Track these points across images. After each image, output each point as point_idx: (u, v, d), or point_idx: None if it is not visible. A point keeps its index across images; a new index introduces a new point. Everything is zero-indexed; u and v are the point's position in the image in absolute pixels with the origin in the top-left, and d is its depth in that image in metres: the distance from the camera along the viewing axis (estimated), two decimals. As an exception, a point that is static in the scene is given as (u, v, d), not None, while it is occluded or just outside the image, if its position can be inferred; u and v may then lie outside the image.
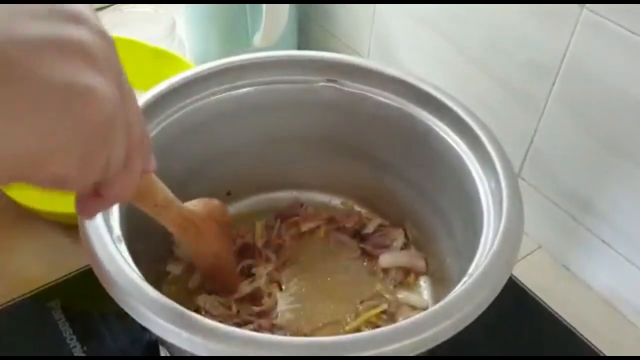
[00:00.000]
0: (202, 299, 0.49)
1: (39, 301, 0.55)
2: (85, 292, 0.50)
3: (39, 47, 0.21)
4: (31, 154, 0.22)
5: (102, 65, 0.23)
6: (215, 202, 0.48)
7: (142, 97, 0.48)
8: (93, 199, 0.28)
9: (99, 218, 0.38)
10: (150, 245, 0.46)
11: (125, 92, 0.26)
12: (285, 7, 0.69)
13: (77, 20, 0.23)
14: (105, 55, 0.24)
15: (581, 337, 0.56)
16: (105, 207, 0.30)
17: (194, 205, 0.45)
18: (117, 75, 0.25)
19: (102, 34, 0.24)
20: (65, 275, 0.57)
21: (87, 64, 0.23)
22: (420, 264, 0.55)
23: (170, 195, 0.40)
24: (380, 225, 0.58)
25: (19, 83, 0.20)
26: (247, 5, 0.70)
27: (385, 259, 0.55)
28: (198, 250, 0.47)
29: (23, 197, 0.57)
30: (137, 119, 0.27)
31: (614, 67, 0.50)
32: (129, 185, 0.28)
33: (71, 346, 0.52)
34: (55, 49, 0.22)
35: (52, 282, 0.57)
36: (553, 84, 0.55)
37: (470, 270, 0.39)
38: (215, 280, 0.51)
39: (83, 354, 0.52)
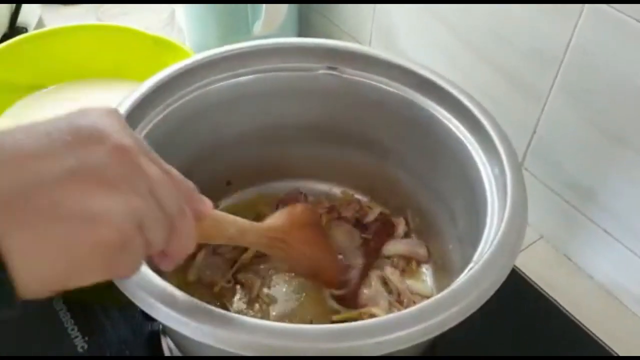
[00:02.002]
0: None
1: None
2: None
3: (61, 184, 0.26)
4: (61, 272, 0.26)
5: (116, 181, 0.27)
6: (298, 207, 0.50)
7: (142, 86, 0.47)
8: (162, 258, 0.32)
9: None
10: None
11: (149, 187, 0.29)
12: (286, -4, 0.68)
13: (98, 140, 0.27)
14: (121, 171, 0.27)
15: (583, 326, 0.56)
16: (177, 261, 0.33)
17: (276, 217, 0.47)
18: (136, 181, 0.28)
19: (121, 149, 0.28)
20: (66, 265, 0.57)
21: (100, 187, 0.27)
22: (422, 251, 0.55)
23: (243, 223, 0.41)
24: (382, 214, 0.58)
25: (45, 221, 0.25)
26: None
27: (388, 247, 0.55)
28: (292, 260, 0.48)
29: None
30: (167, 192, 0.30)
31: (619, 56, 0.50)
32: (187, 241, 0.32)
33: (72, 337, 0.52)
34: (73, 182, 0.26)
35: (52, 272, 0.56)
36: (557, 74, 0.55)
37: (475, 257, 0.38)
38: (319, 280, 0.52)
39: (84, 344, 0.51)
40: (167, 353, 0.51)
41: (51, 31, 0.69)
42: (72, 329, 0.53)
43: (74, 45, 0.69)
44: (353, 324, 0.33)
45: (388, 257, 0.55)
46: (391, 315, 0.34)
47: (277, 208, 0.57)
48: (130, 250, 0.28)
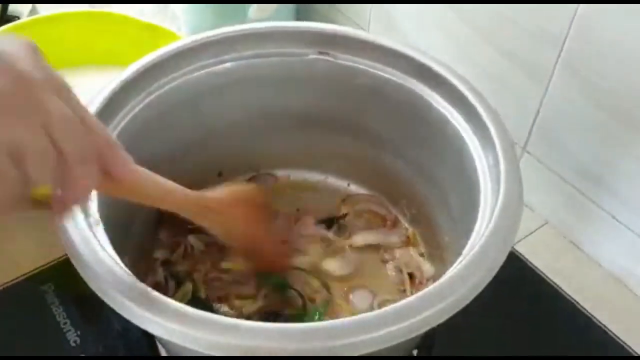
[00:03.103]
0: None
1: (32, 285, 0.55)
2: (79, 275, 0.49)
3: None
4: None
5: (3, 108, 0.27)
6: (247, 186, 0.49)
7: (127, 70, 0.46)
8: (58, 202, 0.32)
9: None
10: (134, 234, 0.46)
11: (44, 121, 0.28)
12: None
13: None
14: (12, 100, 0.27)
15: (589, 314, 0.55)
16: (67, 207, 0.33)
17: (218, 190, 0.46)
18: (27, 112, 0.28)
19: (21, 78, 0.28)
20: (59, 259, 0.56)
21: None
22: (393, 239, 0.54)
23: (171, 185, 0.40)
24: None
25: None
26: (242, -23, 0.68)
27: (357, 238, 0.55)
28: (226, 234, 0.47)
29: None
30: (67, 133, 0.29)
31: (624, 33, 0.48)
32: (82, 190, 0.32)
33: (65, 330, 0.52)
34: None
35: (45, 265, 0.56)
36: (560, 52, 0.53)
37: (465, 250, 0.37)
38: (256, 261, 0.51)
39: (77, 339, 0.51)
40: (160, 349, 0.50)
41: (43, 18, 0.69)
42: (65, 323, 0.52)
43: (66, 32, 0.68)
44: (330, 322, 0.32)
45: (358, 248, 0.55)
46: (374, 313, 0.33)
47: None
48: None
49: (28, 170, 0.28)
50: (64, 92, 0.30)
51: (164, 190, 0.39)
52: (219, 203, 0.45)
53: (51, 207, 0.33)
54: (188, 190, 0.41)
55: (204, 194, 0.44)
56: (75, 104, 0.30)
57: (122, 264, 0.36)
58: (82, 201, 0.33)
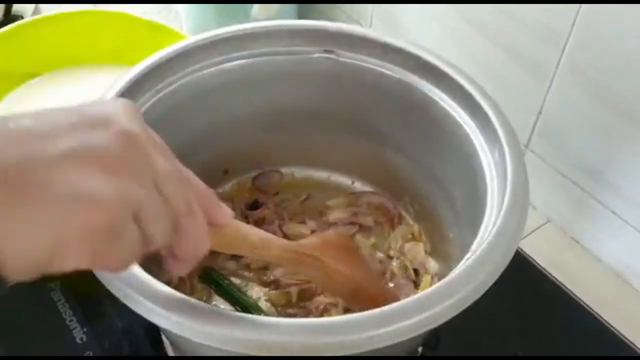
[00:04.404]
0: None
1: (38, 282, 0.54)
2: (86, 272, 0.49)
3: (59, 163, 0.25)
4: (44, 252, 0.25)
5: (117, 165, 0.26)
6: (330, 231, 0.49)
7: (134, 69, 0.46)
8: (173, 261, 0.31)
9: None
10: None
11: (153, 178, 0.28)
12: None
13: (104, 124, 0.26)
14: (124, 156, 0.26)
15: (591, 311, 0.55)
16: (187, 264, 0.32)
17: (306, 238, 0.46)
18: (138, 168, 0.27)
19: (128, 134, 0.27)
20: (65, 256, 0.56)
21: (99, 168, 0.26)
22: (368, 219, 0.55)
23: (268, 235, 0.40)
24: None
25: (36, 198, 0.24)
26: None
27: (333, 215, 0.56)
28: (327, 279, 0.45)
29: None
30: (174, 187, 0.29)
31: (628, 30, 0.48)
32: (197, 242, 0.31)
33: (71, 327, 0.52)
34: (72, 161, 0.25)
35: (51, 263, 0.56)
36: (563, 50, 0.53)
37: (473, 247, 0.37)
38: (360, 302, 0.47)
39: (83, 335, 0.51)
40: (166, 345, 0.51)
41: (47, 18, 0.69)
42: (71, 320, 0.52)
43: (70, 31, 0.68)
44: (338, 318, 0.32)
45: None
46: (380, 310, 0.33)
47: (252, 184, 0.58)
48: (122, 240, 0.26)
49: (148, 230, 0.27)
50: (162, 148, 0.29)
51: (264, 239, 0.39)
52: (313, 248, 0.44)
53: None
54: (282, 239, 0.41)
55: (297, 242, 0.44)
56: (172, 159, 0.30)
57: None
58: (198, 255, 0.31)
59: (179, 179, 0.29)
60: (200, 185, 0.32)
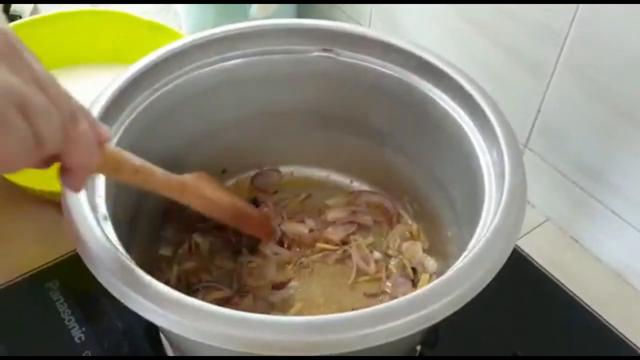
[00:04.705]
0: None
1: (37, 282, 0.55)
2: (84, 272, 0.49)
3: None
4: None
5: None
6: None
7: (131, 68, 0.47)
8: (66, 174, 0.31)
9: (82, 196, 0.37)
10: (140, 231, 0.46)
11: (33, 77, 0.28)
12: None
13: None
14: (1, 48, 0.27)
15: (591, 310, 0.55)
16: (80, 177, 0.32)
17: (184, 175, 0.46)
18: (17, 63, 0.27)
19: (2, 32, 0.27)
20: (63, 256, 0.56)
21: None
22: (366, 218, 0.56)
23: (149, 163, 0.40)
24: None
25: None
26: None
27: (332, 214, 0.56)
28: (209, 205, 0.47)
29: (19, 178, 0.57)
30: (56, 91, 0.29)
31: (627, 29, 0.48)
32: (88, 151, 0.31)
33: (70, 327, 0.52)
34: None
35: (50, 262, 0.56)
36: (562, 49, 0.53)
37: (470, 245, 0.37)
38: (247, 227, 0.52)
39: (82, 335, 0.51)
40: (165, 345, 0.51)
41: (45, 17, 0.69)
42: (70, 320, 0.52)
43: (69, 31, 0.69)
44: (336, 315, 0.32)
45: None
46: (379, 307, 0.33)
47: (251, 183, 0.58)
48: (9, 129, 0.26)
49: (38, 127, 0.27)
50: (34, 55, 0.29)
51: (147, 166, 0.39)
52: (193, 179, 0.45)
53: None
54: (165, 170, 0.42)
55: (178, 175, 0.44)
56: (46, 70, 0.29)
57: (130, 259, 0.36)
58: (89, 166, 0.31)
59: (60, 86, 0.29)
60: (74, 98, 0.31)
